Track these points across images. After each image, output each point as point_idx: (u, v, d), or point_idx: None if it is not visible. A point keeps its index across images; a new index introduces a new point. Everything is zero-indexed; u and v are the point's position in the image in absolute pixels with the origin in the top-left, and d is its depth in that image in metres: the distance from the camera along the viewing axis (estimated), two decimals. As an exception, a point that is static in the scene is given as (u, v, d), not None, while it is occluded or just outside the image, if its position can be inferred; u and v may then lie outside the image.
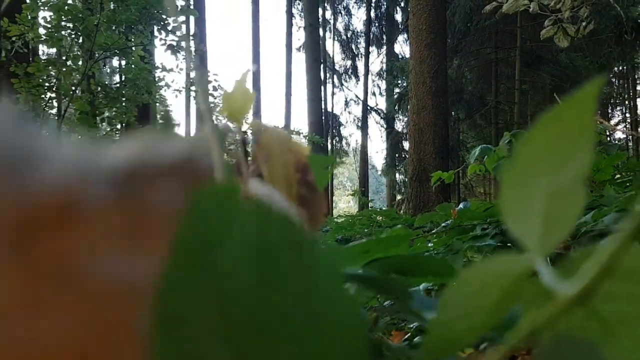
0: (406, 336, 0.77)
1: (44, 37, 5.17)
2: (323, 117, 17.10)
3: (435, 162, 8.15)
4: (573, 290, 0.18)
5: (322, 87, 17.39)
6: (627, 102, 19.79)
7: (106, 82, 7.15)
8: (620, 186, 2.18)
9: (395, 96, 17.91)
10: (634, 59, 14.73)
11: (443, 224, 1.79)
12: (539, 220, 0.19)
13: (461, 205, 1.72)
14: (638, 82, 19.74)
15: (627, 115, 19.90)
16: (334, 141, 20.37)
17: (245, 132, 0.32)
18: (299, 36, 19.72)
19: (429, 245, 1.44)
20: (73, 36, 5.18)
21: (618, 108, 20.63)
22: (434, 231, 1.82)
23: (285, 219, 0.16)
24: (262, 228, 0.16)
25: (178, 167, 0.19)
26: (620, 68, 17.08)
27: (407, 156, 16.08)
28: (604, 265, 0.18)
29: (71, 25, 5.11)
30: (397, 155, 18.83)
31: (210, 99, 7.33)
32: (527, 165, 0.19)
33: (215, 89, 6.93)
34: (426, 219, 1.69)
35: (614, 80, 18.69)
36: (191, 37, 6.12)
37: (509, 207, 0.20)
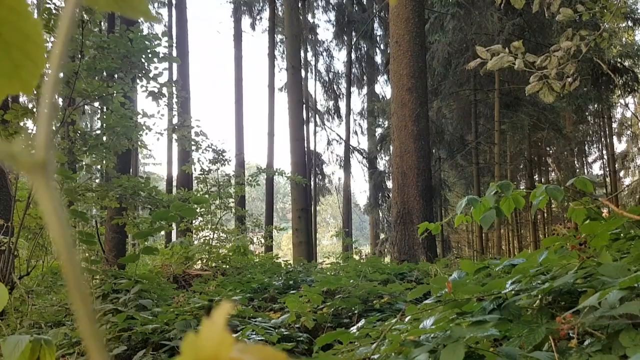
0: None
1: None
2: (306, 156, 17.13)
3: (419, 204, 8.11)
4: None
5: (305, 127, 17.46)
6: (603, 140, 20.25)
7: (85, 129, 7.06)
8: (614, 248, 2.12)
9: (377, 137, 18.05)
10: (609, 99, 15.12)
11: (437, 295, 1.70)
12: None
13: (455, 276, 1.64)
14: (614, 120, 20.26)
15: (604, 152, 20.34)
16: (317, 179, 20.35)
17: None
18: (281, 77, 19.95)
19: (425, 325, 1.34)
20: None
21: (595, 145, 21.09)
22: (427, 302, 1.72)
23: None
24: None
25: None
26: (596, 107, 17.53)
27: (390, 195, 16.09)
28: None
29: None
30: (380, 194, 18.85)
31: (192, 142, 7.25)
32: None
33: (197, 134, 6.87)
34: (419, 291, 1.61)
35: (590, 119, 19.15)
36: (173, 85, 6.08)
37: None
